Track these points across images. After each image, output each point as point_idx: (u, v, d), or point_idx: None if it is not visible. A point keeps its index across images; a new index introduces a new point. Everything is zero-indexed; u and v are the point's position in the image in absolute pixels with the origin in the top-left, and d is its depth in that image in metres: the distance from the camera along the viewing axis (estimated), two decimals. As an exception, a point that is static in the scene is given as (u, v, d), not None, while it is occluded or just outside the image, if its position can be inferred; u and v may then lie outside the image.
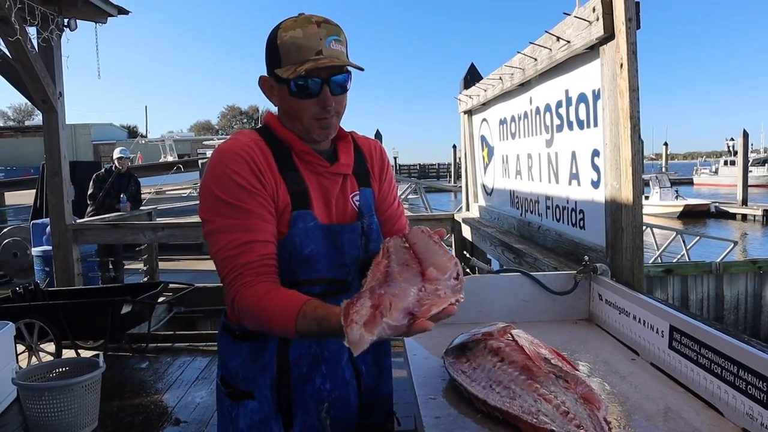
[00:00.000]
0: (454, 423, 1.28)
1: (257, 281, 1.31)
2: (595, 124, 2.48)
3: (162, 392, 4.07)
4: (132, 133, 55.20)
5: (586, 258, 2.16)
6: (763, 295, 8.66)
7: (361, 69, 1.43)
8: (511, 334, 1.55)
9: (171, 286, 5.45)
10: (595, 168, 2.51)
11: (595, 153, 2.50)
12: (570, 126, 2.81)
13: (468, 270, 4.59)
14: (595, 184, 2.52)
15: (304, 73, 1.35)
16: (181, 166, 15.91)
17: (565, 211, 2.96)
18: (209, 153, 27.75)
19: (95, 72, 6.05)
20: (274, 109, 1.53)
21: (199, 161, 14.37)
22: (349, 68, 1.42)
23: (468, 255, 5.36)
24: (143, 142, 35.73)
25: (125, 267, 8.62)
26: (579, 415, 1.23)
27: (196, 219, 12.35)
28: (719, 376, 1.32)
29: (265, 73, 1.48)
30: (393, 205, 1.72)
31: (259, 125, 1.56)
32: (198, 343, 5.10)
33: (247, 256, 1.32)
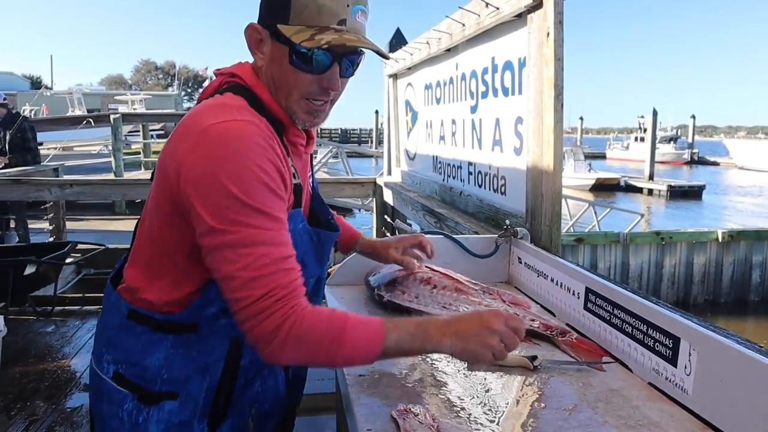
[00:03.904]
0: (379, 380, 1.28)
1: (306, 305, 1.07)
2: (520, 92, 2.51)
3: (69, 357, 3.90)
4: (35, 84, 51.71)
5: (507, 222, 2.20)
6: (664, 264, 9.24)
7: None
8: (425, 266, 1.77)
9: (80, 246, 5.20)
10: (518, 135, 2.55)
11: (519, 120, 2.54)
12: (495, 93, 2.84)
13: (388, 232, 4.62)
14: (518, 151, 2.56)
15: (325, 46, 1.09)
16: (91, 120, 15.03)
17: (487, 177, 3.00)
18: (121, 108, 26.50)
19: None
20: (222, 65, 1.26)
21: (111, 116, 13.63)
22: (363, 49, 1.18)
23: (389, 219, 5.39)
24: (48, 94, 33.55)
25: (29, 227, 8.13)
26: (520, 313, 1.57)
27: (107, 176, 11.81)
28: (629, 334, 1.38)
29: (257, 21, 1.19)
30: None
31: (230, 81, 1.22)
32: (109, 306, 4.90)
33: (289, 275, 1.06)
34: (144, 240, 1.22)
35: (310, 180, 1.37)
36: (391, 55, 4.90)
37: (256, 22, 1.19)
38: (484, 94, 2.98)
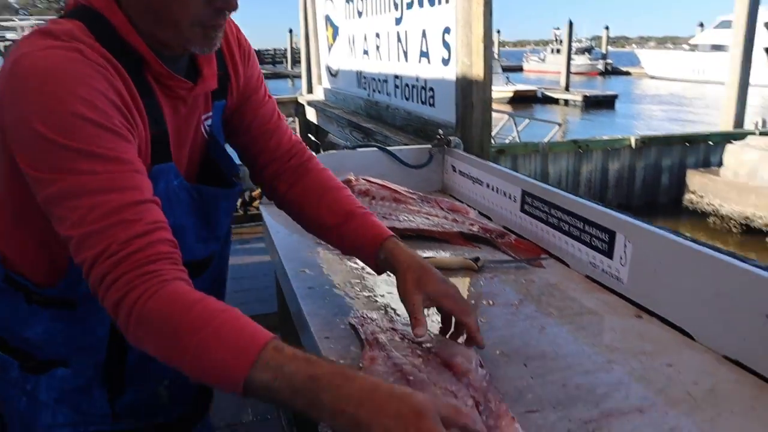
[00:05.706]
0: (329, 291, 1.29)
1: (164, 275, 0.81)
2: (447, 1, 2.46)
3: None
4: None
5: (440, 132, 2.21)
6: (581, 171, 9.65)
7: None
8: (361, 178, 1.81)
9: None
10: (446, 46, 2.52)
11: (446, 30, 2.50)
12: (420, 3, 2.77)
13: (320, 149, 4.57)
14: (446, 62, 2.54)
15: None
16: None
17: (414, 90, 2.98)
18: (10, 36, 24.41)
19: None
20: None
21: (0, 45, 12.57)
22: None
23: (313, 138, 5.32)
24: None
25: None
26: (459, 219, 1.66)
27: None
28: (567, 232, 1.44)
29: None
30: (270, 114, 1.22)
31: (79, 1, 0.93)
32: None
33: (133, 227, 0.81)
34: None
35: (208, 126, 1.12)
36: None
37: None
38: (409, 5, 2.91)
